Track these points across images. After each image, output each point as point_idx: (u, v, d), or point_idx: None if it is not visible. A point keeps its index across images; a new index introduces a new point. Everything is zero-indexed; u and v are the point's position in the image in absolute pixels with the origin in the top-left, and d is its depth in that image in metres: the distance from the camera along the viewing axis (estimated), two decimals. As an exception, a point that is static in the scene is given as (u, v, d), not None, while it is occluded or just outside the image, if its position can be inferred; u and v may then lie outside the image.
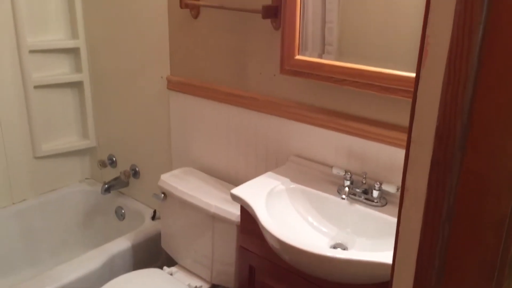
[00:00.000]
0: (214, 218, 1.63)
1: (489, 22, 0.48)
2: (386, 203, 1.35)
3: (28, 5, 2.08)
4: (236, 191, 1.41)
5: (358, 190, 1.38)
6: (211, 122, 1.83)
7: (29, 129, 2.21)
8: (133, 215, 2.24)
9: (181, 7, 1.72)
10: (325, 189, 1.42)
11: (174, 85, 1.91)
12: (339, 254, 1.16)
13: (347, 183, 1.39)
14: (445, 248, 0.56)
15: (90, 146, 2.40)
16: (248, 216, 1.38)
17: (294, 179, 1.47)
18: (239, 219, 1.49)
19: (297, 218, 1.40)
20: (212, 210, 1.62)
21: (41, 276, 1.77)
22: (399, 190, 0.67)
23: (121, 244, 1.95)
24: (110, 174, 2.35)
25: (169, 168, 2.04)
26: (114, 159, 2.35)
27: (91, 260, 1.84)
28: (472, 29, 0.49)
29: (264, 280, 1.44)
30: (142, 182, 2.24)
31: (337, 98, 1.45)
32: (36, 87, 2.17)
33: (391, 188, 1.33)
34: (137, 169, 2.24)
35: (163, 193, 1.81)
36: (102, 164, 2.36)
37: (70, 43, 2.23)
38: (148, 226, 2.08)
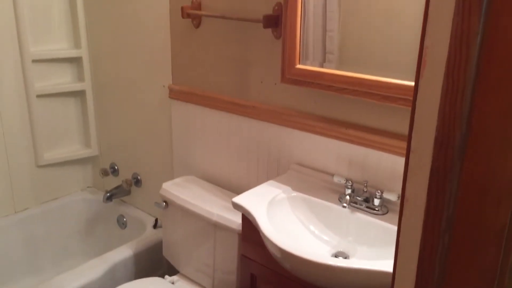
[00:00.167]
0: (216, 227, 1.63)
1: (487, 33, 0.48)
2: (387, 211, 1.35)
3: (31, 15, 2.10)
4: (238, 199, 1.42)
5: (359, 198, 1.38)
6: (212, 130, 1.84)
7: (32, 138, 2.22)
8: (135, 223, 2.24)
9: (182, 16, 1.73)
10: (326, 198, 1.43)
11: (176, 94, 1.92)
12: (340, 262, 1.16)
13: (348, 191, 1.39)
14: (445, 256, 0.56)
15: (92, 154, 2.41)
16: (249, 225, 1.38)
17: (296, 188, 1.48)
18: (240, 228, 1.49)
19: (298, 227, 1.40)
20: (214, 218, 1.62)
21: (43, 285, 1.77)
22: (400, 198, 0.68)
23: (123, 253, 1.95)
24: (112, 182, 2.35)
25: (170, 176, 2.04)
26: (116, 167, 2.35)
27: (93, 269, 1.84)
28: (470, 39, 0.49)
29: (266, 289, 1.44)
30: (144, 191, 2.25)
31: (338, 106, 1.46)
32: (38, 96, 2.19)
33: (392, 196, 1.33)
34: (139, 177, 2.25)
35: (165, 201, 1.81)
36: (104, 173, 2.37)
37: (72, 53, 2.24)
38: (149, 235, 2.08)
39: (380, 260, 1.12)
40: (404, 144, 1.27)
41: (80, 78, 2.30)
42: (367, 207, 1.37)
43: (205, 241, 1.70)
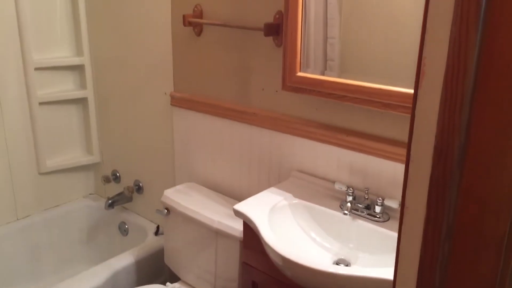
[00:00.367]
0: (217, 234, 1.63)
1: (484, 44, 0.49)
2: (389, 219, 1.36)
3: (34, 23, 2.12)
4: (239, 206, 1.42)
5: (360, 205, 1.38)
6: (214, 137, 1.84)
7: (34, 145, 2.23)
8: (137, 230, 2.24)
9: (184, 25, 1.75)
10: (328, 205, 1.43)
11: (178, 101, 1.93)
12: (341, 270, 1.17)
13: (350, 198, 1.40)
14: (445, 265, 0.56)
15: (94, 161, 2.42)
16: (251, 232, 1.39)
17: (297, 195, 1.48)
18: (242, 235, 1.49)
19: (299, 234, 1.40)
20: (215, 225, 1.63)
21: (45, 292, 1.77)
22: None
23: (124, 260, 1.95)
24: (114, 189, 2.36)
25: (172, 183, 2.05)
26: (118, 174, 2.36)
27: (94, 276, 1.85)
28: (468, 50, 0.50)
29: (267, 296, 1.44)
30: (146, 198, 2.25)
31: (339, 113, 1.46)
32: (41, 103, 2.20)
33: (394, 204, 1.33)
34: (140, 184, 2.25)
35: (166, 208, 1.81)
36: (106, 180, 2.38)
37: (75, 60, 2.26)
38: (151, 242, 2.08)
39: (382, 267, 1.12)
40: (405, 152, 1.27)
41: (82, 86, 2.31)
42: (368, 214, 1.37)
43: (206, 248, 1.70)
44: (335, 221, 1.39)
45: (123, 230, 2.32)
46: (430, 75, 0.53)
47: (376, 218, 1.35)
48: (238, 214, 1.41)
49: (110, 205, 2.26)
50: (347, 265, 1.31)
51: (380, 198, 1.34)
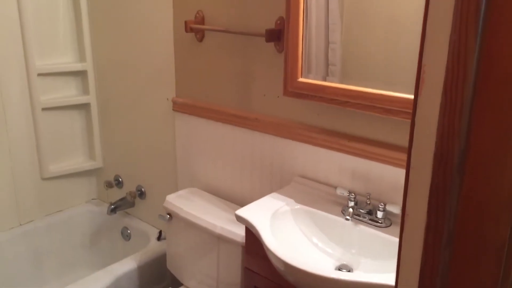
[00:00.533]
0: (220, 239, 1.63)
1: (483, 51, 0.49)
2: (391, 224, 1.35)
3: (36, 29, 2.13)
4: (241, 212, 1.42)
5: (362, 210, 1.38)
6: (216, 143, 1.84)
7: (37, 150, 2.24)
8: (139, 235, 2.24)
9: (186, 31, 1.75)
10: (330, 210, 1.43)
11: (180, 107, 1.93)
12: (344, 275, 1.16)
13: (351, 203, 1.40)
14: (446, 272, 0.56)
15: (97, 167, 2.42)
16: (253, 237, 1.39)
17: (299, 200, 1.48)
18: (244, 240, 1.49)
19: (301, 239, 1.40)
20: (217, 231, 1.63)
21: (47, 297, 1.77)
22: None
23: (127, 265, 1.96)
24: (116, 194, 2.36)
25: (174, 188, 2.05)
26: (120, 179, 2.37)
27: (97, 281, 1.85)
28: (467, 57, 0.50)
29: (270, 302, 1.43)
30: (148, 203, 2.25)
31: (341, 119, 1.47)
32: (44, 109, 2.21)
33: (395, 209, 1.33)
34: (143, 189, 2.26)
35: (169, 213, 1.81)
36: (109, 185, 2.38)
37: (77, 66, 2.27)
38: (153, 247, 2.08)
39: (384, 273, 1.12)
40: (406, 157, 1.27)
41: (85, 91, 2.32)
42: (370, 219, 1.37)
43: (208, 254, 1.70)
44: (337, 226, 1.39)
45: (126, 235, 2.32)
46: (429, 82, 0.53)
47: (378, 224, 1.35)
48: (240, 219, 1.41)
49: (113, 210, 2.26)
50: (349, 271, 1.31)
51: (382, 204, 1.34)
